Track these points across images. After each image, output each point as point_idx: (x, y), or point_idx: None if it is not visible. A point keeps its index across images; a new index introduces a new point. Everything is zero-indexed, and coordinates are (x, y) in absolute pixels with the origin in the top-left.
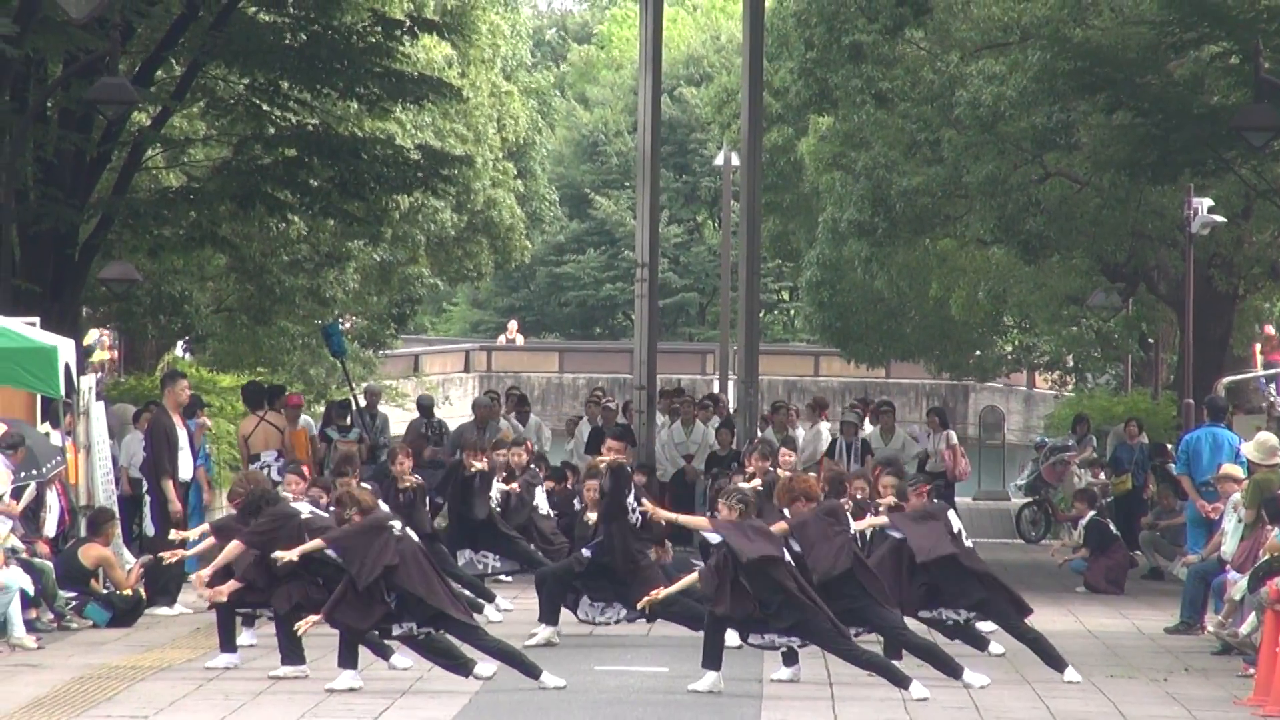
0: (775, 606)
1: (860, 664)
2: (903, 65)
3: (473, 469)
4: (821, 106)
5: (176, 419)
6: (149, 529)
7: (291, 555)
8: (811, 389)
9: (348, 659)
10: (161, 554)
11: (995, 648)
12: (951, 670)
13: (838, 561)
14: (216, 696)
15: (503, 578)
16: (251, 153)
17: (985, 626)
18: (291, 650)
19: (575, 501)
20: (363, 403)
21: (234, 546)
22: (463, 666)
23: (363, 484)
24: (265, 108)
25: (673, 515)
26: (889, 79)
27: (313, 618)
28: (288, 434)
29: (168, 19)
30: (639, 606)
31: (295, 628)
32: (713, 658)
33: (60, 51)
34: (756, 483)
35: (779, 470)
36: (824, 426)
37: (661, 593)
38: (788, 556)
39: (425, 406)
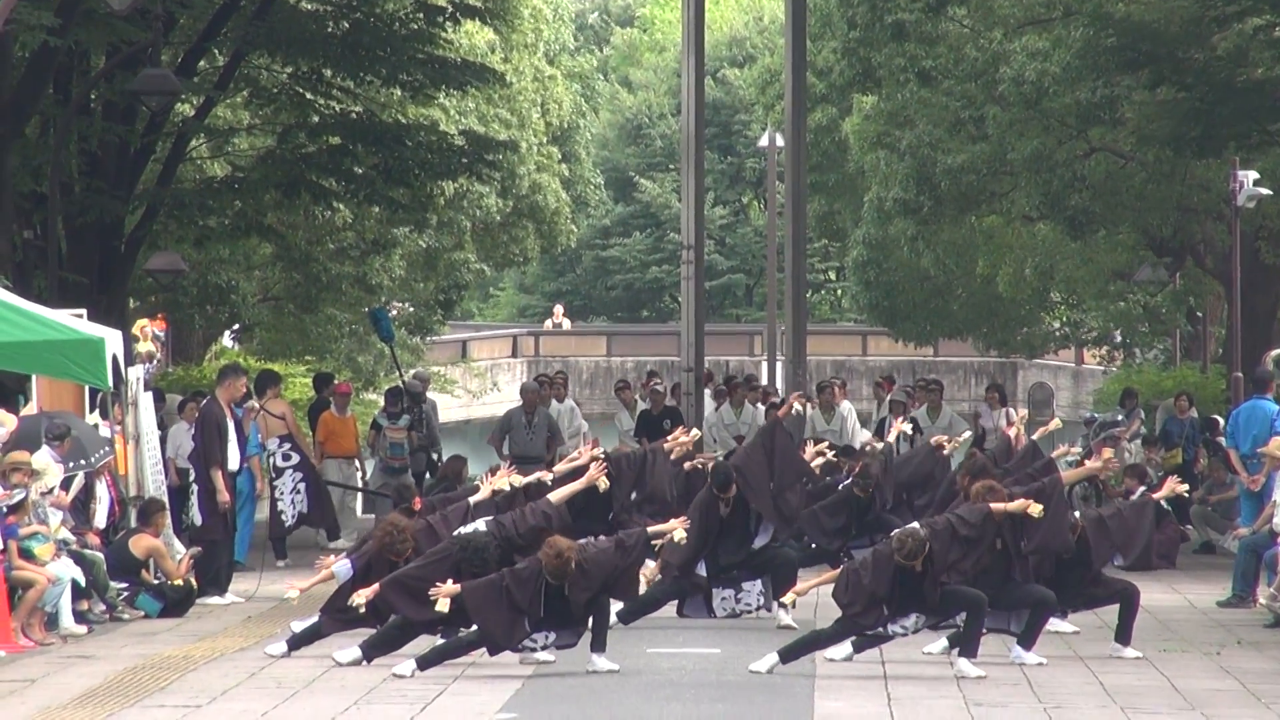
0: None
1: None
2: (946, 43)
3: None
4: (865, 86)
5: (226, 410)
6: (196, 518)
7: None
8: (860, 368)
9: (433, 661)
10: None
11: (1065, 626)
12: None
13: None
14: (269, 685)
15: None
16: (296, 141)
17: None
18: (377, 647)
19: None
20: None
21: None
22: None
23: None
24: (309, 96)
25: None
26: (932, 57)
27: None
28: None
29: (210, 9)
30: (786, 601)
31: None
32: (793, 653)
33: (103, 43)
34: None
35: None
36: (846, 405)
37: (803, 586)
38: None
39: (415, 393)
